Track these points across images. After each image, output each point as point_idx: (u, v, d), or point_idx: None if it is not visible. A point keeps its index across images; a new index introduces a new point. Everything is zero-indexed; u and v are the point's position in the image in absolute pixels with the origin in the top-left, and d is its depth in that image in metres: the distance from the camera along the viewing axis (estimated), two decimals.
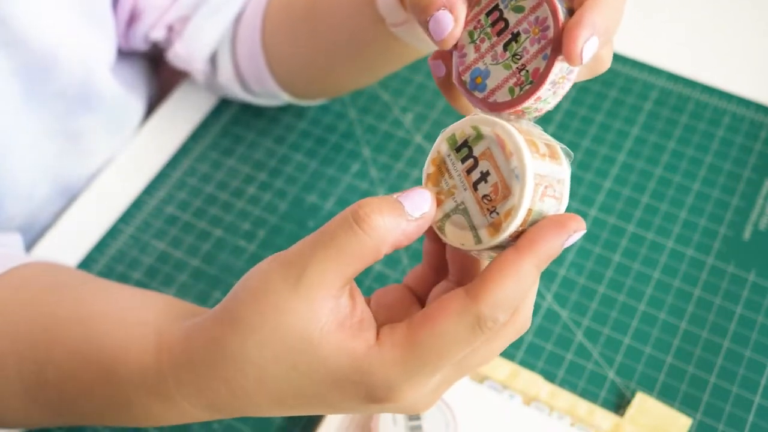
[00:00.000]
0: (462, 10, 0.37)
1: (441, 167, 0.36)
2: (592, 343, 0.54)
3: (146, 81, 0.67)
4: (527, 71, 0.35)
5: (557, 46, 0.34)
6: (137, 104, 0.65)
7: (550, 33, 0.34)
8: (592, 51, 0.34)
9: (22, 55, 0.52)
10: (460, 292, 0.33)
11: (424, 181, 0.36)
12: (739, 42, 0.70)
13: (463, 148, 0.35)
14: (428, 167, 0.36)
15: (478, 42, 0.37)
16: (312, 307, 0.34)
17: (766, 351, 0.53)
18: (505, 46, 0.36)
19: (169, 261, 0.59)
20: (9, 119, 0.54)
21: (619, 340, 0.54)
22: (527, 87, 0.35)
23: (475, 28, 0.37)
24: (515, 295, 0.33)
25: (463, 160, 0.35)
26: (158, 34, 0.60)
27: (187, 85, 0.69)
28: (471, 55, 0.37)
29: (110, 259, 0.59)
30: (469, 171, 0.35)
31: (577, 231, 0.33)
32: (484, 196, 0.34)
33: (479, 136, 0.35)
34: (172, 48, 0.61)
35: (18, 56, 0.52)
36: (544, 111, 0.36)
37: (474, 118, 0.35)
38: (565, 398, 0.51)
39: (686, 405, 0.51)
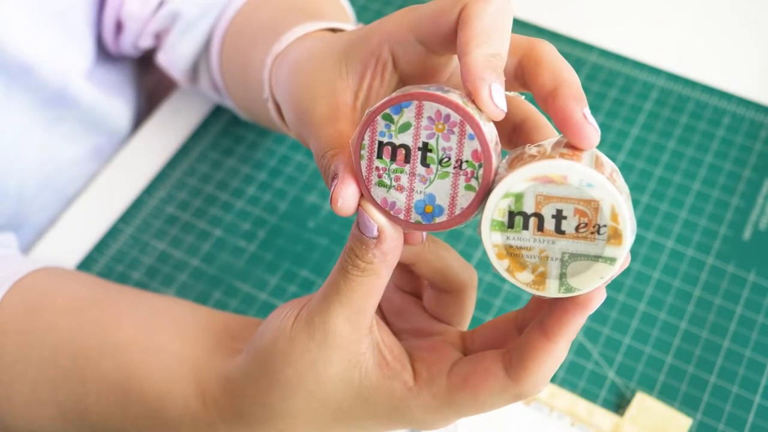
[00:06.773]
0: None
1: (511, 252, 0.32)
2: (592, 343, 0.54)
3: (133, 85, 0.67)
4: (468, 161, 0.32)
5: (470, 119, 0.32)
6: (121, 108, 0.65)
7: (456, 116, 0.32)
8: (500, 95, 0.32)
9: (2, 60, 0.53)
10: (501, 372, 0.35)
11: (507, 278, 0.33)
12: (739, 42, 0.70)
13: (515, 218, 0.32)
14: (501, 266, 0.33)
15: (395, 183, 0.33)
16: (347, 353, 0.36)
17: (766, 351, 0.53)
18: (425, 163, 0.33)
19: (169, 261, 0.59)
20: None
21: (619, 340, 0.54)
22: (481, 171, 0.32)
23: (379, 176, 0.33)
24: (553, 371, 0.35)
25: (526, 226, 0.32)
26: (146, 43, 0.61)
27: None
28: (400, 197, 0.33)
29: (110, 259, 0.59)
30: (540, 228, 0.32)
31: (599, 303, 0.34)
32: (577, 227, 0.31)
33: (519, 197, 0.31)
34: (157, 56, 0.62)
35: None
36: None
37: (493, 194, 0.31)
38: (565, 398, 0.51)
39: (686, 405, 0.51)
